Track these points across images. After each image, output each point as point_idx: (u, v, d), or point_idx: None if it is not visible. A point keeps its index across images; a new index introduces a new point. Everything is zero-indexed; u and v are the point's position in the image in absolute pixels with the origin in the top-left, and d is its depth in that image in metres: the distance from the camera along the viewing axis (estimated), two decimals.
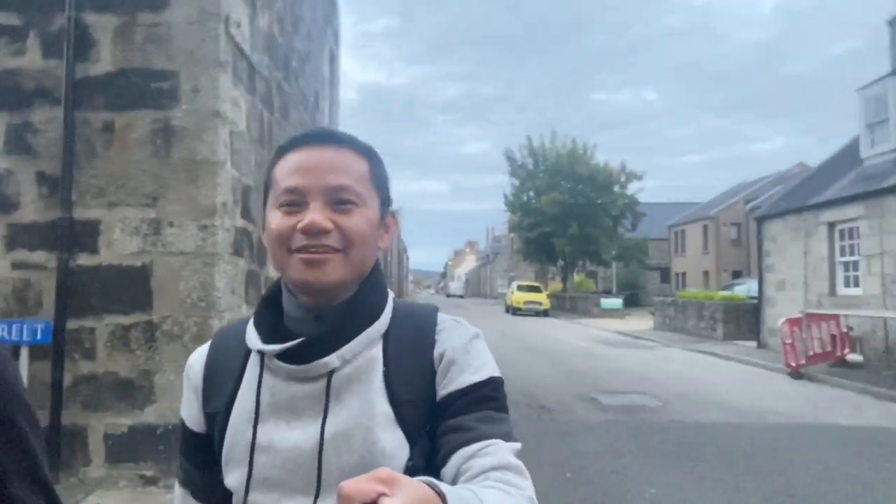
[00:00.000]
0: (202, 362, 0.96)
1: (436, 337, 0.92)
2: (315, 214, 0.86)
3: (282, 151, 0.92)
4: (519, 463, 0.82)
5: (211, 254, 4.71)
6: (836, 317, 11.94)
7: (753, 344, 15.91)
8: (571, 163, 36.65)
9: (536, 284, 37.62)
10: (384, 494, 0.56)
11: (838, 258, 13.29)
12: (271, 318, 0.92)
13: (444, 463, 0.84)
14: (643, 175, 36.32)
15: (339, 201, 0.88)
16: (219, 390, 0.93)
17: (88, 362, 4.62)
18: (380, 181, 0.94)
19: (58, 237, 4.63)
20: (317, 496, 0.85)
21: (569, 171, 36.49)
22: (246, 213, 5.47)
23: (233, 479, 0.89)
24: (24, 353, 4.48)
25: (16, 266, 4.68)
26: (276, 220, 0.89)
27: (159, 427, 4.57)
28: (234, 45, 5.12)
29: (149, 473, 4.52)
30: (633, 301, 38.83)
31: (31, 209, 4.71)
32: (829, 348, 11.86)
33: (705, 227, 42.45)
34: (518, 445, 0.85)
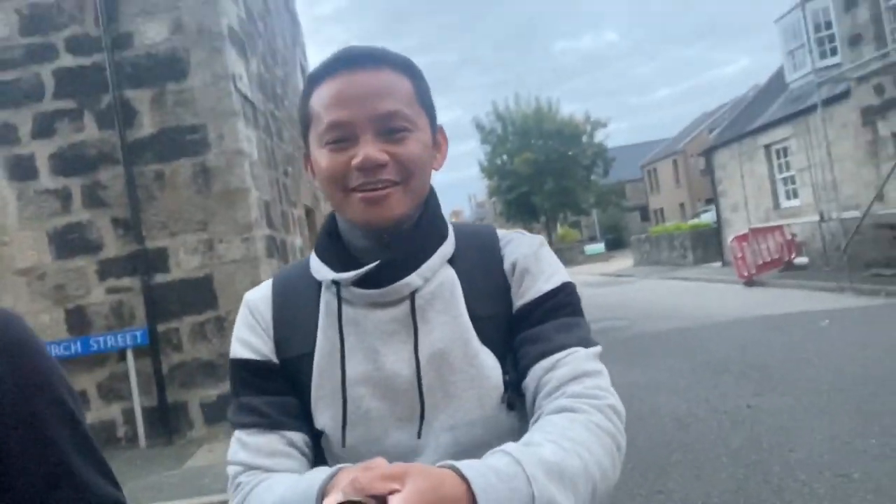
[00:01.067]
0: (268, 304, 0.91)
1: (503, 250, 0.91)
2: (368, 148, 0.81)
3: (316, 79, 0.86)
4: (597, 367, 0.83)
5: (254, 258, 6.20)
6: (780, 227, 13.59)
7: (719, 264, 17.61)
8: (538, 121, 37.98)
9: None
10: (396, 491, 0.56)
11: (777, 175, 14.93)
12: (336, 250, 0.89)
13: (523, 375, 0.83)
14: (608, 121, 37.95)
15: (390, 130, 0.83)
16: (297, 332, 0.89)
17: (178, 353, 6.12)
18: (426, 98, 0.89)
19: (137, 264, 6.09)
20: (422, 420, 0.83)
21: (537, 130, 37.83)
22: (270, 223, 6.94)
23: (326, 418, 0.86)
24: (130, 354, 5.97)
25: (109, 291, 6.14)
26: (326, 159, 0.84)
27: None
28: (241, 94, 6.53)
29: None
30: (616, 244, 40.58)
31: (113, 247, 6.15)
32: (776, 256, 13.53)
33: (675, 162, 44.10)
34: (598, 349, 0.85)
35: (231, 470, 0.85)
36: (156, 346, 6.04)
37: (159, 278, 6.12)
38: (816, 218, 12.81)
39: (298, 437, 0.85)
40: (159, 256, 6.13)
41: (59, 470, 0.76)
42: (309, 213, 10.04)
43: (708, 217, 22.14)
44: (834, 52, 13.19)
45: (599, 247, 32.77)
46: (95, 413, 6.02)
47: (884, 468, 3.49)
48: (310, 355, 0.87)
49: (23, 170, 6.12)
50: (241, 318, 0.92)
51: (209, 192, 6.16)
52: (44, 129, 6.15)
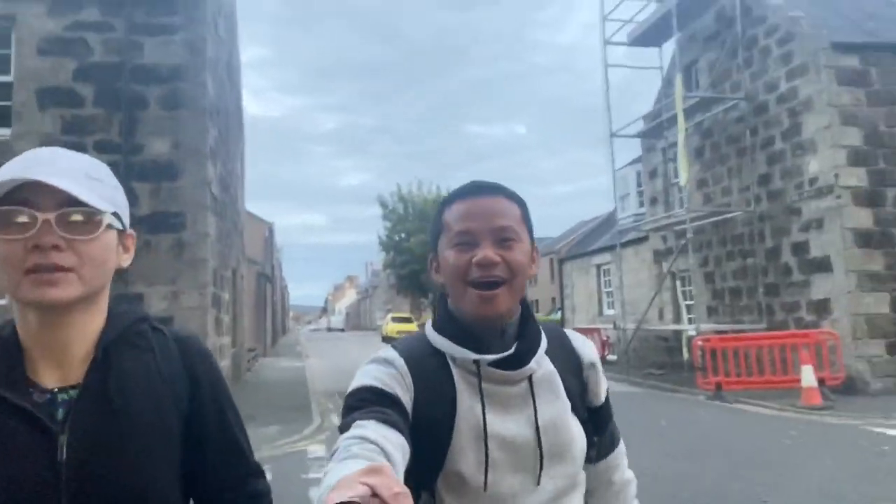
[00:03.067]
0: (405, 369, 1.10)
1: (574, 345, 1.23)
2: (486, 251, 1.07)
3: (448, 201, 1.17)
4: (624, 448, 1.31)
5: (205, 307, 9.00)
6: (598, 329, 17.67)
7: None
8: (435, 207, 42.06)
9: (408, 315, 42.57)
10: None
11: (603, 289, 19.24)
12: (461, 333, 1.12)
13: (600, 454, 1.23)
14: None
15: (503, 239, 1.09)
16: (437, 398, 1.09)
17: None
18: (528, 221, 1.16)
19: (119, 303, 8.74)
20: (540, 471, 1.10)
21: (433, 215, 41.91)
22: (215, 284, 9.76)
23: (467, 463, 1.07)
24: None
25: None
26: (453, 257, 1.10)
27: None
28: (212, 193, 9.50)
29: None
30: None
31: None
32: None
33: (551, 261, 49.52)
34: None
35: (345, 443, 0.89)
36: None
37: None
38: (620, 324, 16.97)
39: (406, 446, 0.96)
40: (138, 298, 8.81)
41: (233, 446, 1.13)
42: (234, 273, 12.84)
43: (559, 315, 26.49)
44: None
45: None
46: None
47: None
48: (450, 416, 1.08)
49: None
50: (381, 370, 1.09)
51: (181, 258, 8.98)
52: None
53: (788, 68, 11.87)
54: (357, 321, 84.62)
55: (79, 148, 6.58)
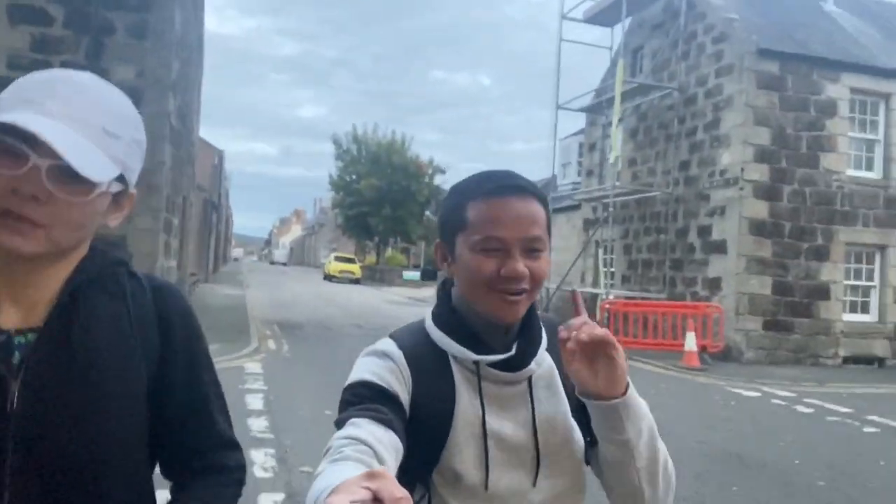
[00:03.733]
0: (405, 365, 1.08)
1: None
2: (517, 264, 1.03)
3: (473, 196, 1.08)
4: None
5: (156, 230, 9.67)
6: None
7: None
8: (389, 153, 42.45)
9: (351, 256, 43.27)
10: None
11: None
12: (462, 329, 1.10)
13: (594, 444, 1.13)
14: (447, 169, 43.36)
15: (532, 249, 1.05)
16: (433, 393, 1.07)
17: None
18: (550, 222, 1.12)
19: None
20: (537, 469, 1.09)
21: (386, 160, 42.23)
22: (167, 209, 10.39)
23: (462, 461, 1.06)
24: None
25: None
26: (479, 262, 1.05)
27: None
28: (170, 124, 10.04)
29: None
30: (433, 275, 45.97)
31: None
32: None
33: None
34: None
35: (337, 442, 0.89)
36: None
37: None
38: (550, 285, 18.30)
39: (399, 446, 0.96)
40: (120, 240, 9.41)
41: (199, 404, 1.05)
42: (184, 199, 13.40)
43: None
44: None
45: (415, 274, 37.80)
46: None
47: None
48: (448, 413, 1.07)
49: None
50: (379, 364, 1.08)
51: (138, 183, 9.54)
52: None
53: (718, 66, 12.99)
54: (301, 257, 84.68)
55: (45, 66, 7.15)
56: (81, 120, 0.84)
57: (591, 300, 16.60)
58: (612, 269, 16.20)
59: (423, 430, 1.05)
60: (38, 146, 0.79)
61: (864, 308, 12.78)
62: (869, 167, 12.91)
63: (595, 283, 17.23)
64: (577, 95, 17.55)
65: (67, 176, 0.81)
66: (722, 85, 12.82)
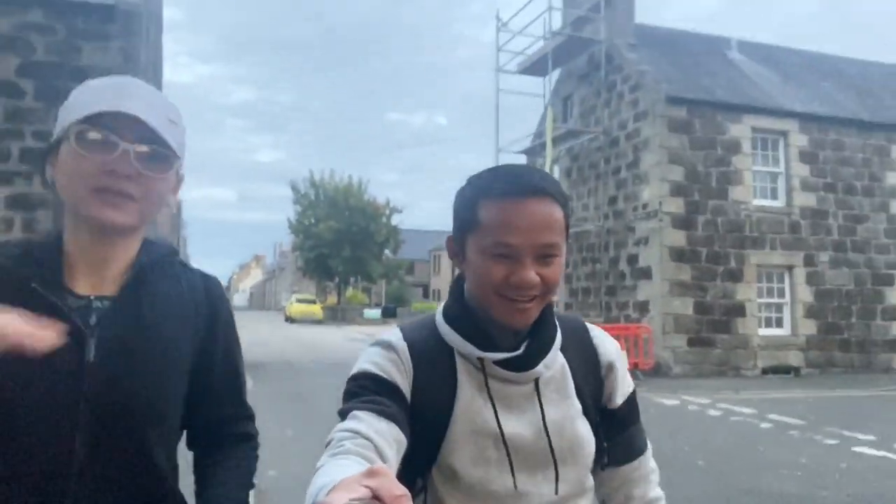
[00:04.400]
0: (408, 356, 1.06)
1: (594, 342, 1.17)
2: (528, 272, 0.99)
3: (485, 195, 1.02)
4: (654, 463, 1.20)
5: None
6: None
7: None
8: (346, 196, 43.46)
9: (312, 298, 43.86)
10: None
11: None
12: (472, 326, 1.07)
13: (613, 462, 1.14)
14: (403, 209, 44.76)
15: (545, 255, 1.01)
16: (434, 387, 1.05)
17: None
18: (568, 224, 1.06)
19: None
20: (556, 470, 1.07)
21: (344, 203, 43.21)
22: None
23: (460, 458, 1.04)
24: None
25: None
26: (488, 267, 1.01)
27: None
28: None
29: None
30: (394, 312, 46.75)
31: None
32: None
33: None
34: (650, 447, 1.19)
35: (338, 435, 0.90)
36: None
37: None
38: None
39: (402, 437, 0.96)
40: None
41: (234, 380, 1.21)
42: None
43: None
44: None
45: (376, 313, 38.71)
46: None
47: None
48: (447, 408, 1.05)
49: None
50: (382, 354, 1.06)
51: None
52: (4, 179, 9.99)
53: (635, 112, 14.51)
54: (261, 301, 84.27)
55: (18, 135, 8.07)
56: (154, 107, 0.99)
57: None
58: (556, 298, 17.37)
59: (422, 424, 1.04)
60: (121, 134, 0.95)
61: (779, 323, 14.19)
62: (774, 196, 14.48)
63: None
64: (518, 138, 18.98)
65: (149, 158, 0.97)
66: (640, 128, 14.31)
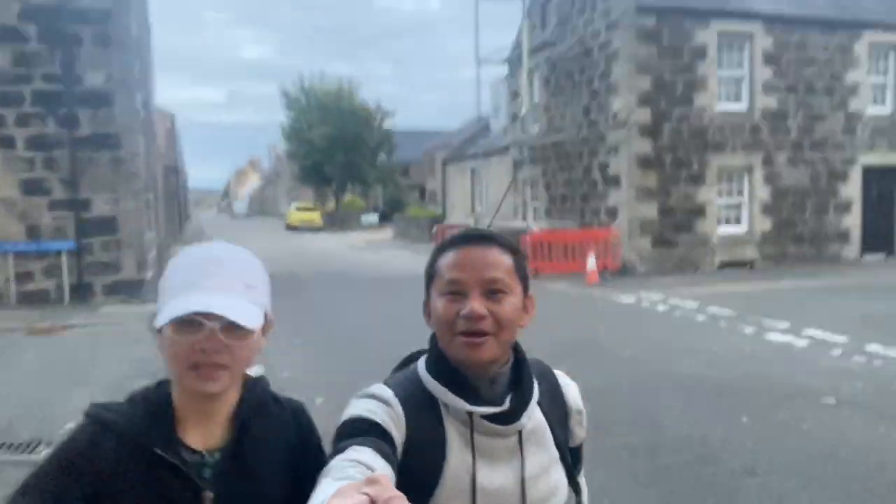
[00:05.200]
0: (401, 410, 1.12)
1: (563, 392, 1.28)
2: (475, 304, 1.09)
3: (443, 248, 1.17)
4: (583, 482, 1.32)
5: (140, 209, 11.61)
6: (458, 225, 21.33)
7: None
8: (337, 100, 43.52)
9: (311, 206, 44.93)
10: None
11: (476, 190, 22.77)
12: (453, 379, 1.14)
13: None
14: (394, 112, 44.85)
15: (492, 291, 1.11)
16: (427, 445, 1.12)
17: (91, 256, 11.34)
18: (522, 272, 1.17)
19: (72, 205, 11.15)
20: None
21: (335, 108, 43.29)
22: (146, 191, 12.27)
23: None
24: (64, 254, 11.06)
25: (54, 218, 11.13)
26: (442, 306, 1.12)
27: (131, 280, 11.51)
28: (140, 117, 11.81)
29: (124, 298, 11.49)
30: (389, 217, 48.04)
31: (59, 194, 11.12)
32: None
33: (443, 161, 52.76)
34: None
35: (339, 464, 0.96)
36: (79, 251, 11.23)
37: (84, 215, 11.28)
38: (473, 218, 20.66)
39: (394, 478, 0.99)
40: (86, 203, 11.28)
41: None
42: (154, 175, 15.18)
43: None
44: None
45: (373, 218, 39.93)
46: (38, 284, 11.06)
47: None
48: (438, 466, 1.11)
49: (7, 143, 10.86)
50: (379, 405, 1.12)
51: (119, 172, 11.43)
52: (21, 121, 10.92)
53: (607, 22, 15.04)
54: (262, 207, 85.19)
55: (27, 79, 9.23)
56: (230, 285, 1.12)
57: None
58: (537, 204, 18.59)
59: (412, 480, 1.06)
60: (210, 315, 1.07)
61: (737, 220, 15.46)
62: (737, 99, 15.28)
63: (525, 218, 19.65)
64: (500, 48, 19.44)
65: (232, 329, 1.09)
66: (611, 39, 14.90)
